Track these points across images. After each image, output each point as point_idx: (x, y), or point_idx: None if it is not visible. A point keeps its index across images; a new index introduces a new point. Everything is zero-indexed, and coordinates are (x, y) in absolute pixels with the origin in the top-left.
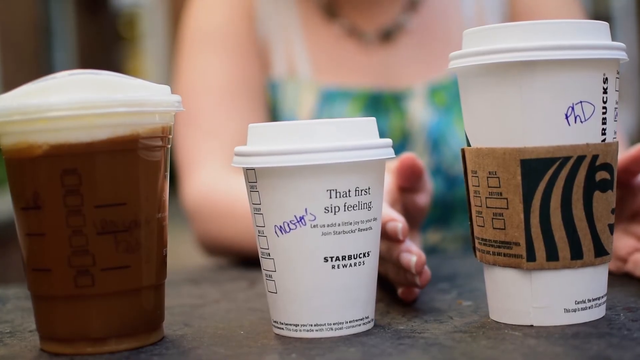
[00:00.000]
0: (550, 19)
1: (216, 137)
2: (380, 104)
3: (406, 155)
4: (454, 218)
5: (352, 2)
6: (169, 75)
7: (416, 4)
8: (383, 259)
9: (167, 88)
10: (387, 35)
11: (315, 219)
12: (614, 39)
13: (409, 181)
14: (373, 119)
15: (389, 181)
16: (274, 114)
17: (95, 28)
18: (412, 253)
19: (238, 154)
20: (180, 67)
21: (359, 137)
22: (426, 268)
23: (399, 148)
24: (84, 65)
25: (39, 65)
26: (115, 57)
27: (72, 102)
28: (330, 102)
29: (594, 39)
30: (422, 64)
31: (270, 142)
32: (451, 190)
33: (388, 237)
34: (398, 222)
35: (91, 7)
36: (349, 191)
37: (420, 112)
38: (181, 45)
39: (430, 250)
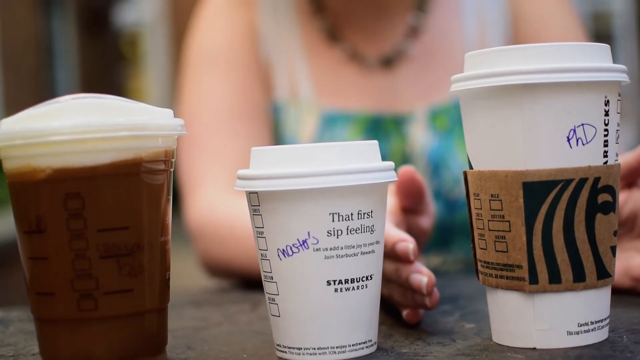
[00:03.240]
0: (552, 39)
1: (219, 159)
2: (380, 128)
3: (405, 168)
4: (455, 241)
5: (354, 27)
6: (170, 95)
7: (417, 30)
8: (388, 281)
9: (169, 112)
10: (389, 62)
11: (317, 242)
12: (615, 58)
13: (410, 197)
14: (375, 142)
15: (392, 203)
16: (276, 136)
17: (97, 47)
18: (423, 274)
19: (241, 178)
20: (184, 89)
21: (361, 160)
22: (435, 289)
23: None
24: (85, 84)
25: (41, 83)
26: (117, 77)
27: (75, 126)
28: (331, 125)
29: (595, 61)
30: (423, 88)
31: (273, 166)
32: (452, 214)
33: (398, 257)
34: (409, 242)
35: (93, 26)
36: (352, 214)
37: (420, 136)
38: (185, 67)
39: None
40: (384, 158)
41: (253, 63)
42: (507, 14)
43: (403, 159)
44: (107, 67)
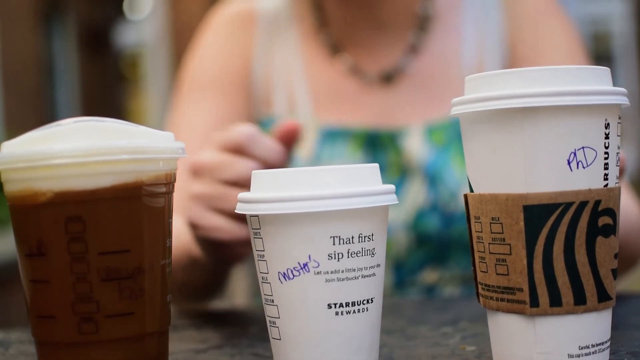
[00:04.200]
0: (552, 62)
1: None
2: (377, 142)
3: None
4: (451, 257)
5: (355, 43)
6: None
7: (417, 48)
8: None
9: (170, 135)
10: (388, 78)
11: (318, 265)
12: (615, 78)
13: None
14: (376, 165)
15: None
16: None
17: (97, 67)
18: None
19: (242, 201)
20: (173, 111)
21: (362, 183)
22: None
23: (396, 185)
24: (86, 104)
25: (41, 103)
26: (117, 97)
27: (76, 149)
28: (330, 140)
29: (595, 84)
30: (421, 106)
31: (273, 189)
32: (448, 228)
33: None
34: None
35: (94, 46)
36: (352, 238)
37: (417, 149)
38: (177, 89)
39: (428, 290)
40: (380, 171)
41: (246, 87)
42: (505, 35)
43: (400, 172)
44: (108, 87)
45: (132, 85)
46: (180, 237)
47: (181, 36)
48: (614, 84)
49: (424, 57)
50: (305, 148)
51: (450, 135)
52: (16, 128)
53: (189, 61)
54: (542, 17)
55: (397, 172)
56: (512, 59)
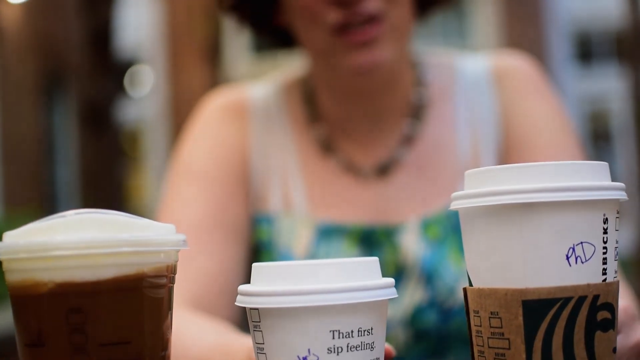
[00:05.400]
0: (544, 149)
1: (181, 270)
2: (373, 239)
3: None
4: (450, 351)
5: (349, 137)
6: None
7: (412, 138)
8: None
9: (172, 227)
10: (384, 170)
11: (318, 359)
12: (613, 156)
13: None
14: (375, 259)
15: None
16: (268, 248)
17: (97, 143)
18: None
19: (242, 293)
20: (164, 199)
21: (361, 277)
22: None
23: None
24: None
25: (41, 178)
26: (117, 173)
27: (78, 241)
28: (326, 237)
29: (593, 179)
30: (416, 198)
31: (273, 282)
32: (446, 323)
33: None
34: None
35: (94, 122)
36: (352, 332)
37: (413, 246)
38: (169, 177)
39: None
40: None
41: (237, 177)
42: (499, 122)
43: (396, 269)
44: (108, 163)
45: (132, 161)
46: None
47: (181, 113)
48: (612, 162)
49: (418, 147)
50: (301, 245)
51: (446, 228)
52: (15, 203)
53: (182, 149)
54: (533, 99)
55: (394, 270)
56: (505, 145)
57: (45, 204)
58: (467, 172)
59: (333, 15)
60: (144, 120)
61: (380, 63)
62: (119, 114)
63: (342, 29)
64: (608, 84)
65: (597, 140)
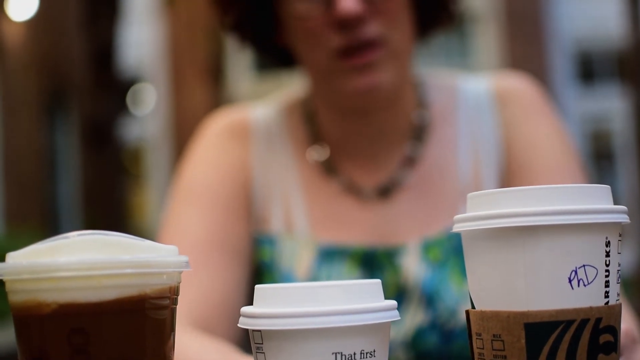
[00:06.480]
0: (546, 171)
1: (184, 291)
2: (374, 261)
3: None
4: None
5: (351, 158)
6: None
7: (413, 159)
8: None
9: (174, 249)
10: (385, 192)
11: None
12: (615, 175)
13: None
14: (378, 281)
15: None
16: (270, 270)
17: (99, 161)
18: None
19: (244, 315)
20: (165, 219)
21: (364, 299)
22: None
23: None
24: (87, 198)
25: (43, 196)
26: (118, 191)
27: (80, 262)
28: (328, 259)
29: (595, 203)
30: (418, 220)
31: (276, 304)
32: (448, 345)
33: None
34: None
35: (96, 140)
36: (355, 354)
37: (414, 268)
38: (171, 197)
39: None
40: None
41: (239, 199)
42: (501, 144)
43: (397, 291)
44: (110, 181)
45: (133, 179)
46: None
47: (183, 131)
48: (614, 181)
49: (420, 169)
50: (303, 267)
51: (447, 250)
52: (17, 219)
53: (184, 170)
54: (534, 121)
55: (395, 291)
56: (506, 166)
57: (47, 221)
58: (469, 195)
59: (335, 39)
60: (146, 138)
61: (380, 86)
62: (120, 131)
63: (343, 52)
64: (610, 104)
65: (599, 159)
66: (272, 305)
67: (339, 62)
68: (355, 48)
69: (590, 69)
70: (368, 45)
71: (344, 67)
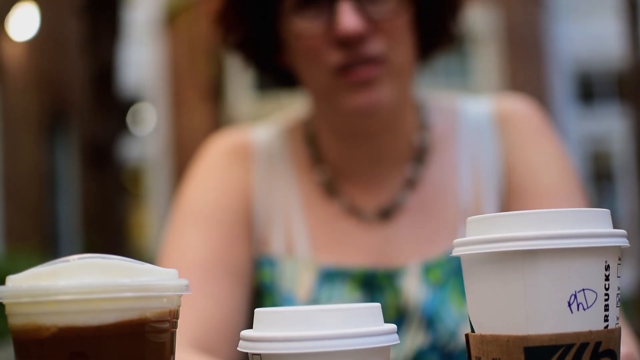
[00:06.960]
0: (546, 195)
1: (183, 313)
2: (375, 283)
3: None
4: None
5: (352, 180)
6: None
7: (414, 182)
8: None
9: (174, 272)
10: (386, 214)
11: None
12: (615, 196)
13: None
14: (378, 305)
15: None
16: (270, 291)
17: (99, 181)
18: None
19: (244, 339)
20: (166, 240)
21: (363, 323)
22: None
23: None
24: (87, 218)
25: (43, 216)
26: (119, 211)
27: (80, 286)
28: (328, 281)
29: (594, 226)
30: (418, 242)
31: (276, 328)
32: None
33: None
34: None
35: (96, 160)
36: None
37: (414, 290)
38: (171, 218)
39: None
40: None
41: (240, 220)
42: (501, 166)
43: (398, 313)
44: (110, 201)
45: (134, 199)
46: None
47: (184, 151)
48: (614, 202)
49: (420, 191)
50: (303, 289)
51: (447, 272)
52: (17, 240)
53: (185, 191)
54: (535, 144)
55: (395, 313)
56: (506, 188)
57: (47, 241)
58: (468, 219)
59: (335, 56)
60: (147, 159)
61: (380, 104)
62: (121, 152)
63: (343, 69)
64: (609, 124)
65: (599, 180)
66: (271, 328)
67: (338, 79)
68: (355, 65)
69: (590, 89)
70: (368, 62)
71: (343, 84)
